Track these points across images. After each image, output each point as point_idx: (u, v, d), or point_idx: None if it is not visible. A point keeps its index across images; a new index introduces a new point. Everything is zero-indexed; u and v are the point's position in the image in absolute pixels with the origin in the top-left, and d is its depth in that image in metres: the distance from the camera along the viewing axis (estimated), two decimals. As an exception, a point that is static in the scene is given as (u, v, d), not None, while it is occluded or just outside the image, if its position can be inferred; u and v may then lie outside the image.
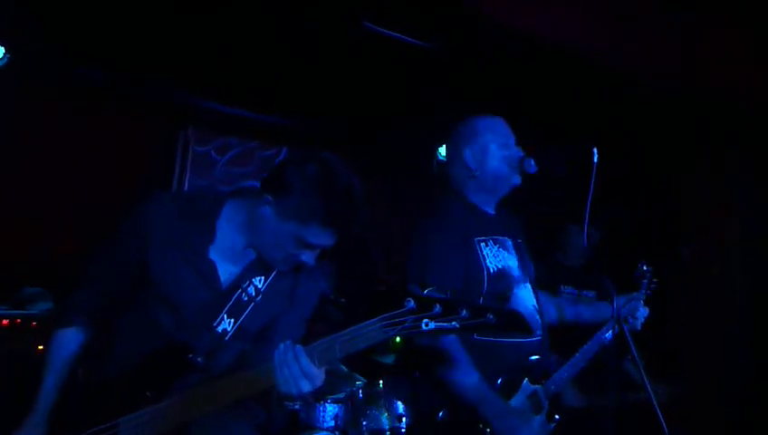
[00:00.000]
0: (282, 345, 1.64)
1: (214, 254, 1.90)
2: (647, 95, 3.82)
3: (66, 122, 4.33)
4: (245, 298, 1.91)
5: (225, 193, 1.97)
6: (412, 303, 1.46)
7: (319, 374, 1.61)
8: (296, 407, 3.36)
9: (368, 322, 1.52)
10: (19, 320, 3.53)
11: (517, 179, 2.45)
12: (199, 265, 1.89)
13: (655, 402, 2.05)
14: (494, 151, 2.43)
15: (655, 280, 2.75)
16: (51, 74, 4.16)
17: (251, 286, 1.92)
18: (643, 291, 2.72)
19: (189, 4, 3.58)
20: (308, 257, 1.85)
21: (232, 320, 1.91)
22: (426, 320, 1.46)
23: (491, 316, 1.46)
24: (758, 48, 3.49)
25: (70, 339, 1.97)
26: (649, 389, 2.12)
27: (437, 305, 1.46)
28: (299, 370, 1.60)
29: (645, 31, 3.39)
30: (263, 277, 1.95)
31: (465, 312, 1.46)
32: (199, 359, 1.83)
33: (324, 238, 1.81)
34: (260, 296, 1.93)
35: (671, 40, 3.39)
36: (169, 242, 1.87)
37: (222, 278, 1.91)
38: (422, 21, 3.60)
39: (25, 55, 3.91)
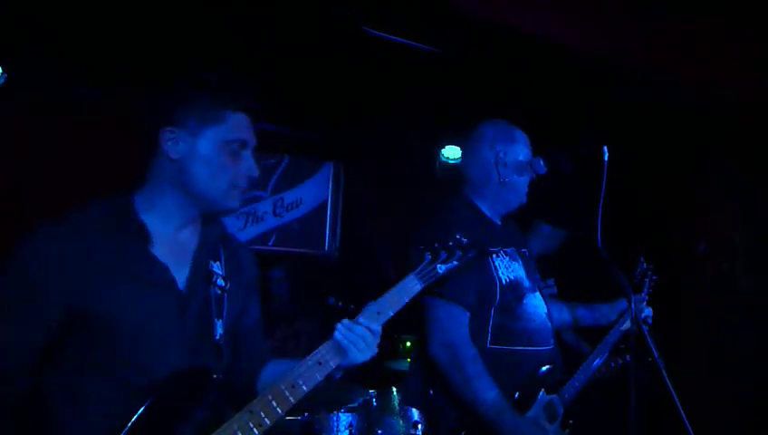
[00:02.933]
0: (341, 325, 1.64)
1: (158, 255, 1.58)
2: (655, 94, 3.81)
3: (65, 139, 4.32)
4: (219, 291, 1.66)
5: (126, 186, 1.67)
6: (428, 256, 1.87)
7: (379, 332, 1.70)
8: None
9: (405, 278, 1.81)
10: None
11: (525, 199, 2.46)
12: (152, 276, 1.56)
13: (677, 400, 2.06)
14: (526, 167, 2.42)
15: (654, 277, 2.74)
16: (49, 91, 4.17)
17: (215, 276, 1.66)
18: (646, 291, 2.72)
19: (186, 16, 3.56)
20: (249, 164, 1.65)
21: (220, 321, 1.65)
22: (438, 265, 1.87)
23: (473, 251, 1.94)
24: (763, 50, 3.49)
25: None
26: (671, 387, 2.12)
27: (442, 253, 1.89)
28: (372, 336, 1.66)
29: (652, 31, 3.38)
30: (217, 262, 1.70)
31: (458, 252, 1.92)
32: (215, 376, 1.60)
33: (242, 126, 1.64)
34: (227, 283, 1.69)
35: (677, 40, 3.39)
36: (103, 267, 1.50)
37: (179, 281, 1.60)
38: (424, 24, 3.59)
39: (23, 74, 3.91)
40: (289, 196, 4.88)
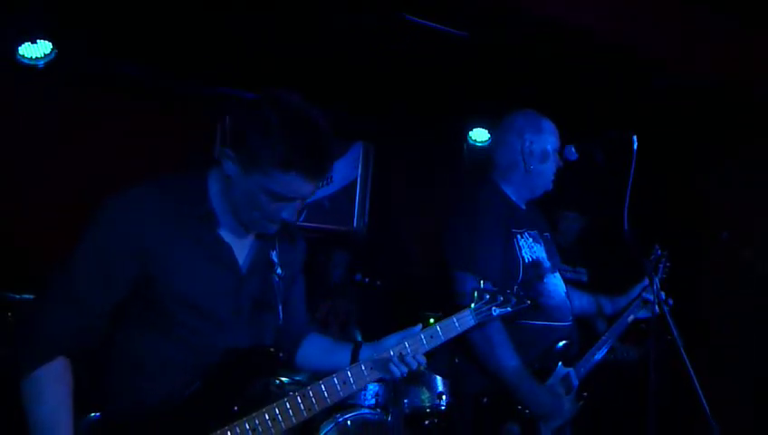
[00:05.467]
0: (398, 360, 1.81)
1: (224, 236, 1.70)
2: (680, 83, 3.86)
3: (107, 116, 4.49)
4: (277, 279, 1.78)
5: (204, 165, 1.74)
6: (487, 296, 2.04)
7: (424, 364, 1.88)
8: None
9: (463, 311, 1.99)
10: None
11: (550, 185, 2.58)
12: (216, 253, 1.68)
13: (695, 380, 2.17)
14: (552, 155, 2.54)
15: (669, 264, 2.84)
16: (94, 69, 4.31)
17: (275, 265, 1.78)
18: (660, 275, 2.81)
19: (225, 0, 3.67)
20: (288, 213, 1.65)
21: (281, 306, 1.79)
22: (493, 307, 2.05)
23: (528, 302, 2.14)
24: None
25: (64, 372, 1.58)
26: (690, 367, 2.23)
27: (499, 296, 2.06)
28: (415, 364, 1.84)
29: (678, 20, 3.41)
30: (274, 250, 1.80)
31: (513, 300, 2.11)
32: (281, 355, 1.78)
33: (291, 185, 1.59)
34: (284, 271, 1.81)
35: (704, 29, 3.42)
36: (172, 239, 1.62)
37: (240, 262, 1.73)
38: (456, 8, 3.65)
39: (71, 51, 4.05)
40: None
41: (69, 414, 1.55)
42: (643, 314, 2.72)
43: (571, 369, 2.49)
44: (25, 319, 1.60)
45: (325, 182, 5.02)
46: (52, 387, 1.55)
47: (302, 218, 4.76)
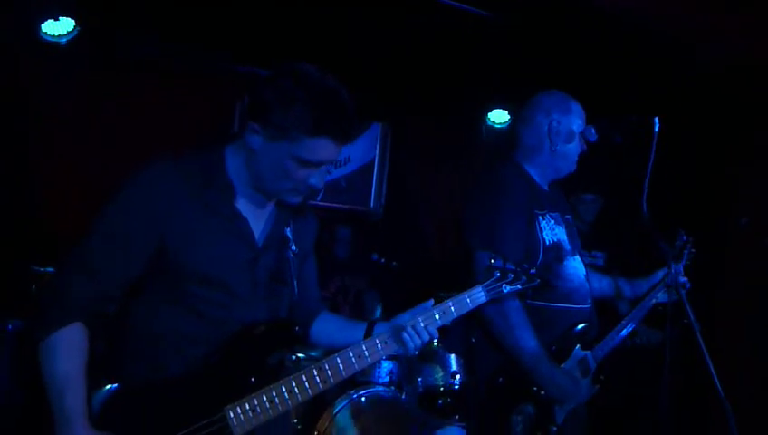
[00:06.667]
0: (411, 329, 1.84)
1: (241, 209, 1.74)
2: (705, 66, 3.79)
3: (129, 93, 4.51)
4: (292, 255, 1.83)
5: (222, 139, 1.78)
6: (498, 273, 2.04)
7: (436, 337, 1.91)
8: None
9: (474, 288, 1.99)
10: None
11: (574, 167, 2.56)
12: (232, 226, 1.72)
13: (711, 367, 2.16)
14: (577, 137, 2.53)
15: (694, 250, 2.83)
16: (115, 46, 4.33)
17: (289, 241, 1.82)
18: (684, 262, 2.80)
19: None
20: (316, 179, 1.70)
21: (296, 281, 1.84)
22: (504, 284, 2.05)
23: (538, 281, 2.12)
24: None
25: (79, 338, 1.61)
26: (706, 353, 2.23)
27: (510, 274, 2.06)
28: (427, 335, 1.86)
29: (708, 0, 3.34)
30: (288, 227, 1.84)
31: (524, 278, 2.09)
32: (297, 328, 1.80)
33: (320, 150, 1.65)
34: (296, 247, 1.85)
35: (735, 10, 3.33)
36: (190, 213, 1.66)
37: (256, 236, 1.77)
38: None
39: (93, 28, 4.07)
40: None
41: (81, 378, 1.58)
42: (663, 297, 2.71)
43: (588, 352, 2.50)
44: (45, 287, 1.67)
45: (343, 162, 5.03)
46: (67, 351, 1.58)
47: (318, 198, 4.78)
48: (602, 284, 2.84)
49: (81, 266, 1.62)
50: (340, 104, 1.65)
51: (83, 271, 1.62)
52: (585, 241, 4.15)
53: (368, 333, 1.90)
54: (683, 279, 2.74)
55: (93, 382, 1.61)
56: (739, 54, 3.70)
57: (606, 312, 2.79)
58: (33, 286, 3.42)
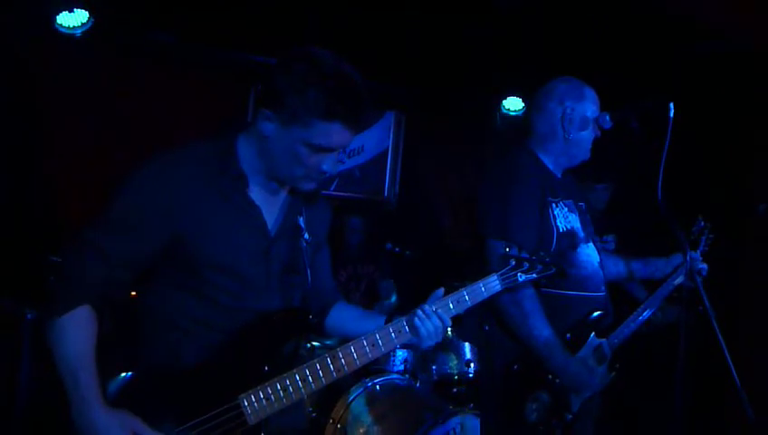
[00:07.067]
0: (421, 313, 1.80)
1: (254, 198, 1.74)
2: (720, 50, 3.73)
3: (143, 84, 4.55)
4: (305, 244, 1.82)
5: (234, 128, 1.78)
6: (513, 262, 2.00)
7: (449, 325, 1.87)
8: None
9: (489, 277, 1.96)
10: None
11: (588, 154, 2.54)
12: (245, 215, 1.73)
13: (727, 353, 2.15)
14: (591, 124, 2.50)
15: (711, 236, 2.79)
16: (130, 38, 4.36)
17: (302, 230, 1.82)
18: (701, 248, 2.77)
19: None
20: (329, 165, 1.70)
21: (309, 270, 1.84)
22: (519, 273, 2.01)
23: (554, 269, 2.07)
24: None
25: (88, 320, 1.63)
26: (722, 340, 2.21)
27: (525, 263, 2.02)
28: (442, 328, 1.83)
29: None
30: (301, 216, 1.84)
31: (539, 266, 2.05)
32: (311, 317, 1.81)
33: (333, 135, 1.64)
34: (309, 236, 1.84)
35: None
36: (205, 200, 1.67)
37: (269, 225, 1.78)
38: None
39: (107, 20, 4.10)
40: (352, 143, 4.97)
41: (93, 359, 1.60)
42: (681, 280, 2.68)
43: (604, 340, 2.48)
44: (57, 270, 1.67)
45: (357, 151, 5.03)
46: (78, 332, 1.60)
47: (332, 187, 4.79)
48: (619, 266, 2.82)
49: (90, 249, 1.63)
50: (354, 89, 1.64)
51: (92, 254, 1.63)
52: (597, 227, 4.13)
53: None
54: (701, 265, 2.73)
55: (107, 368, 1.63)
56: (758, 37, 3.63)
57: (621, 299, 2.77)
58: (52, 278, 3.46)
